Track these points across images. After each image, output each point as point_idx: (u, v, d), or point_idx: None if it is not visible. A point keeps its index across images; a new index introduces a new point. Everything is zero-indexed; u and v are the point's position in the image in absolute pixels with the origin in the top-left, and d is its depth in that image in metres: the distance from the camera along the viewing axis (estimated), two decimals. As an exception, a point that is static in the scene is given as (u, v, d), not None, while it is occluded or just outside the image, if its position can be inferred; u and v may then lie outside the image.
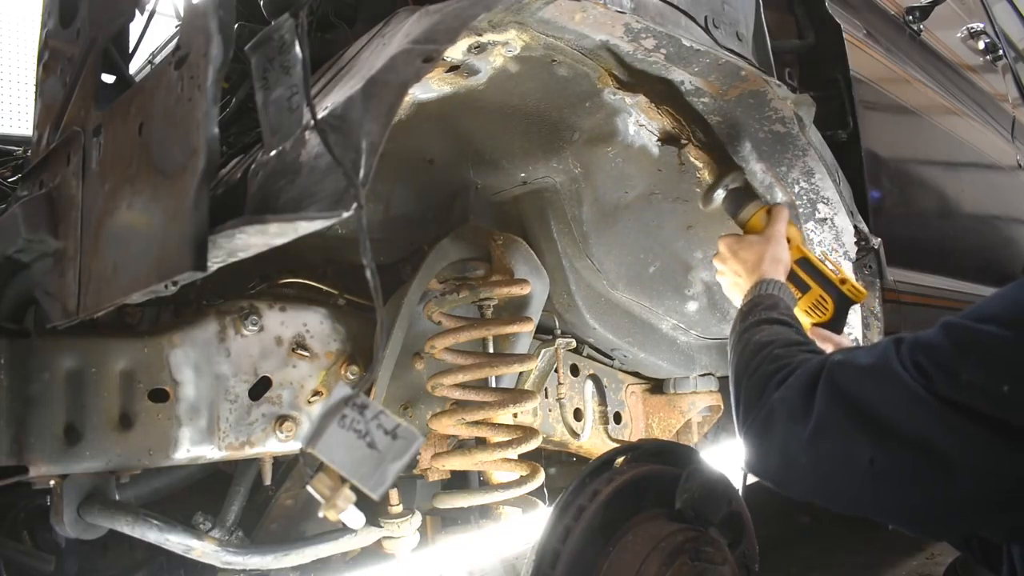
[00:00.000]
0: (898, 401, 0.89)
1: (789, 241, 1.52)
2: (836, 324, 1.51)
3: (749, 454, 1.11)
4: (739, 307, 1.41)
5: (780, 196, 1.73)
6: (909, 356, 0.90)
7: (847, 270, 1.74)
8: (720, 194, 1.68)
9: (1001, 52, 3.44)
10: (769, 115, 1.58)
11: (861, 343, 1.82)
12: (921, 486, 0.88)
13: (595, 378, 2.14)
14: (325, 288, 1.66)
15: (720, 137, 1.65)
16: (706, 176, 1.71)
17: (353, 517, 0.88)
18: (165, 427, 1.39)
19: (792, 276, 1.50)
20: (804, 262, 1.54)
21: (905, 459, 0.88)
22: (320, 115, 0.90)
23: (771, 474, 1.07)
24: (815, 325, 1.51)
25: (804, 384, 1.01)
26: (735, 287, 1.51)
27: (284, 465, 1.77)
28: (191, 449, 1.41)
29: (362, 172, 0.83)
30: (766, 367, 1.13)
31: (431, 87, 1.31)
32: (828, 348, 1.36)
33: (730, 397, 1.23)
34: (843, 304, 1.52)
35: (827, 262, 1.58)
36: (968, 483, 0.85)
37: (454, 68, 1.27)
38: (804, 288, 1.52)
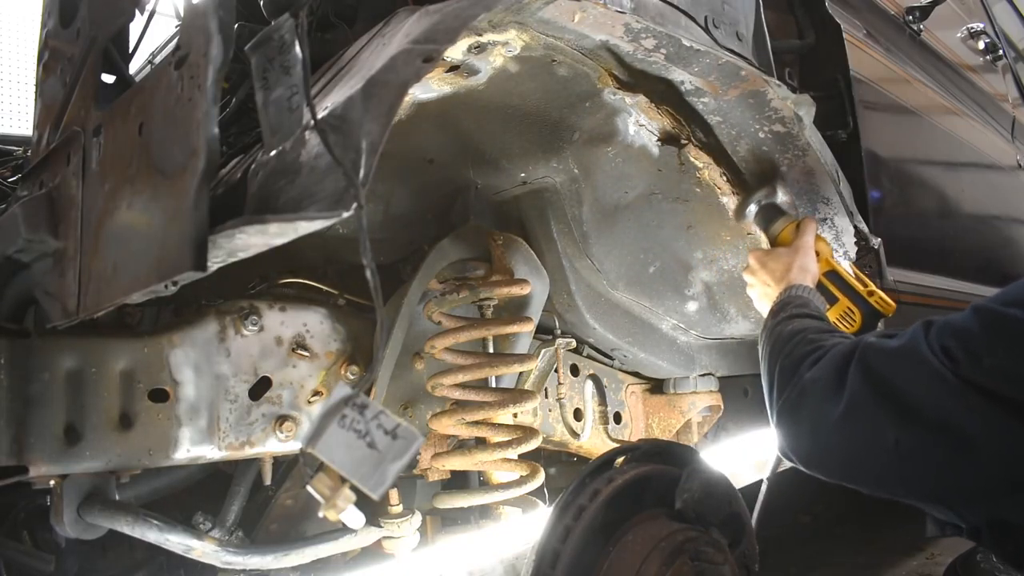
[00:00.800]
0: (924, 383, 0.90)
1: (818, 254, 1.54)
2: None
3: (780, 434, 1.12)
4: (768, 310, 1.42)
5: (780, 196, 1.73)
6: (937, 340, 0.91)
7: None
8: (752, 209, 1.71)
9: (1001, 52, 3.44)
10: (769, 115, 1.58)
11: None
12: (945, 467, 0.90)
13: (595, 378, 2.14)
14: (325, 288, 1.66)
15: (720, 137, 1.65)
16: (706, 176, 1.72)
17: (353, 517, 0.88)
18: (165, 427, 1.39)
19: (820, 287, 1.51)
20: (832, 274, 1.55)
21: (929, 440, 0.90)
22: (320, 115, 0.90)
23: (802, 452, 1.08)
24: None
25: (837, 364, 1.03)
26: (764, 297, 1.52)
27: (284, 465, 1.77)
28: (191, 449, 1.41)
29: (362, 172, 0.83)
30: (800, 349, 1.15)
31: (431, 87, 1.30)
32: None
33: (762, 385, 1.23)
34: (871, 316, 1.52)
35: (856, 275, 1.59)
36: (990, 464, 0.86)
37: (454, 68, 1.27)
38: (832, 299, 1.53)
